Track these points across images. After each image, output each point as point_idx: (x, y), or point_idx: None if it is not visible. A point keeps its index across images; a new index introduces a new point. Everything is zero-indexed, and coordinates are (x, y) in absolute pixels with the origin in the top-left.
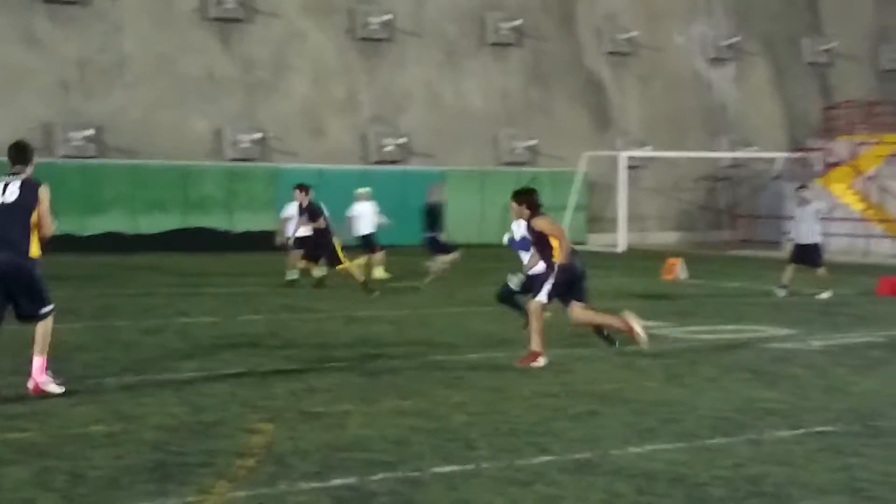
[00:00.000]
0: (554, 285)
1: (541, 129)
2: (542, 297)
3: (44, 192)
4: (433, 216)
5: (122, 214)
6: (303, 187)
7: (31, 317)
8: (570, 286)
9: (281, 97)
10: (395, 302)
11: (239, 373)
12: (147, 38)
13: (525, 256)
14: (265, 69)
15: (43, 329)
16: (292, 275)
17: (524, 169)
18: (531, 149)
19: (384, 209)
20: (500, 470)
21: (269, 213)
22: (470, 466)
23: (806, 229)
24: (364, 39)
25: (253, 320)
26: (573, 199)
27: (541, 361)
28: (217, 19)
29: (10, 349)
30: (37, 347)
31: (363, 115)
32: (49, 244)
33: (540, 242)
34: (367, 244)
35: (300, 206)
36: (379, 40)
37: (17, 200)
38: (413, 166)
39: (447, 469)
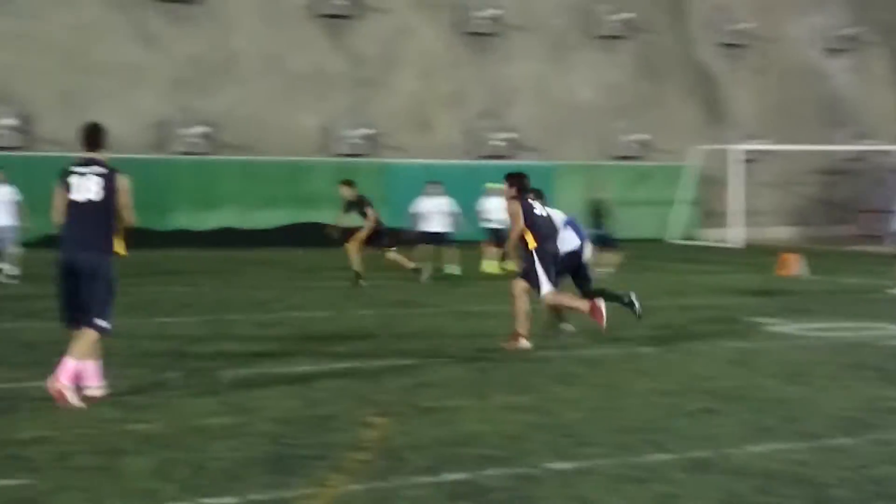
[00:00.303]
0: (544, 271)
1: (652, 122)
2: (546, 288)
3: (123, 182)
4: (598, 213)
5: (235, 210)
6: (347, 182)
7: (83, 322)
8: (555, 265)
9: (389, 93)
10: (506, 297)
11: (352, 367)
12: (257, 35)
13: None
14: (374, 65)
15: (88, 337)
16: (453, 269)
17: (635, 163)
18: (642, 143)
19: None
20: (616, 467)
21: (377, 208)
22: (585, 463)
23: None
24: (472, 34)
25: (365, 315)
26: (685, 193)
27: (601, 303)
28: (326, 16)
29: (124, 343)
30: (74, 348)
31: (471, 110)
32: (131, 236)
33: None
34: (496, 238)
35: (347, 201)
36: (487, 35)
37: (101, 197)
38: (521, 161)
39: (562, 466)
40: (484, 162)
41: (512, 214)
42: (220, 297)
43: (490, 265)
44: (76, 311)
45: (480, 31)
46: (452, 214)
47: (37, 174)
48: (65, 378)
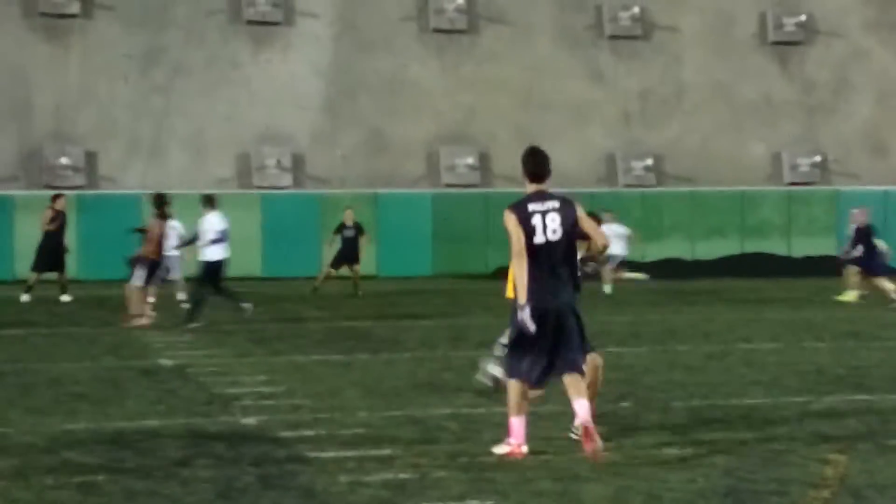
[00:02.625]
0: None
1: None
2: None
3: (581, 211)
4: None
5: (680, 240)
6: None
7: (566, 370)
8: None
9: (842, 118)
10: None
11: (806, 401)
12: (706, 66)
13: None
14: (825, 90)
15: (590, 376)
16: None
17: None
18: None
19: None
20: None
21: (828, 237)
22: None
23: None
24: None
25: (817, 347)
26: None
27: None
28: (776, 43)
29: None
30: (580, 390)
31: None
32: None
33: None
34: None
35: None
36: None
37: (563, 236)
38: None
39: None
40: None
41: None
42: (668, 327)
43: None
44: (553, 364)
45: None
46: None
47: (494, 210)
48: (589, 417)
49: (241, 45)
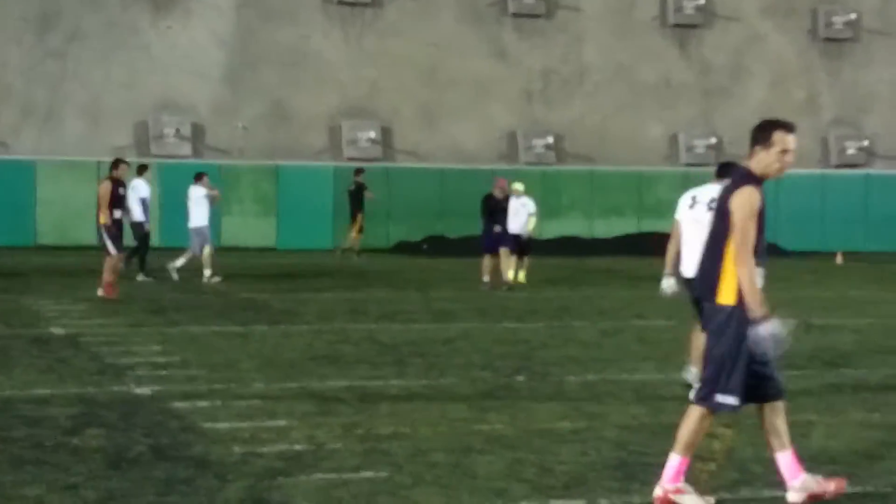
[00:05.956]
0: None
1: None
2: None
3: (739, 198)
4: None
5: (579, 219)
6: None
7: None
8: None
9: (738, 101)
10: (858, 310)
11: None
12: (607, 47)
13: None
14: (722, 74)
15: (694, 417)
16: None
17: None
18: None
19: (844, 216)
20: None
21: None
22: None
23: None
24: (826, 40)
25: None
26: None
27: None
28: (676, 26)
29: (473, 346)
30: (681, 441)
31: (824, 118)
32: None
33: None
34: None
35: None
36: (843, 40)
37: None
38: (877, 170)
39: None
40: (837, 171)
41: None
42: (565, 303)
43: None
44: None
45: (836, 36)
46: None
47: (395, 184)
48: (670, 480)
49: (140, 11)
